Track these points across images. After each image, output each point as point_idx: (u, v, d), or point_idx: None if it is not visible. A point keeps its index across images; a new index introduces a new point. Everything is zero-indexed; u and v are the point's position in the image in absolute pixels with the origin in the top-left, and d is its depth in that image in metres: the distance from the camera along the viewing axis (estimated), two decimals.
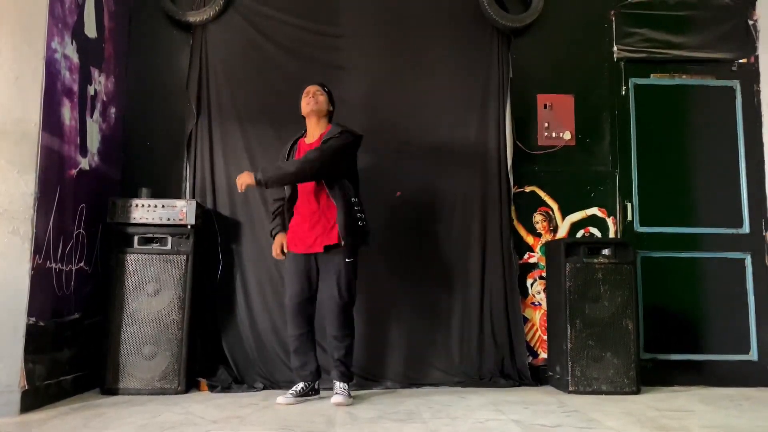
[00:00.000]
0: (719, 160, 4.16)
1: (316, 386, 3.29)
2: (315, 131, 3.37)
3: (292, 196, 3.35)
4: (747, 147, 4.17)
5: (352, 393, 3.27)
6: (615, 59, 4.20)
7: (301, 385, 3.23)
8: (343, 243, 3.16)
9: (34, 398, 2.83)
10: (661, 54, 4.19)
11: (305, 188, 3.29)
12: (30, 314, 2.81)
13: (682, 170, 4.15)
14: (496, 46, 4.13)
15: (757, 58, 4.23)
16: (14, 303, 2.76)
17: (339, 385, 3.20)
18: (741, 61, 4.23)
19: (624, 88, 4.19)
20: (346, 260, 3.20)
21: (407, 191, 3.95)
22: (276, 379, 3.60)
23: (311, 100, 3.34)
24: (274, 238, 3.41)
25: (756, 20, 4.24)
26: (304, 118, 3.42)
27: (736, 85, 4.22)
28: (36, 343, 2.86)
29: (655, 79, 4.22)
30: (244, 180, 3.16)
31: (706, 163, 4.15)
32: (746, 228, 4.11)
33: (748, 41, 4.23)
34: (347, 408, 3.03)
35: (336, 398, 3.12)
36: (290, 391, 3.20)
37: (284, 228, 3.38)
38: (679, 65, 4.22)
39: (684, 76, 4.23)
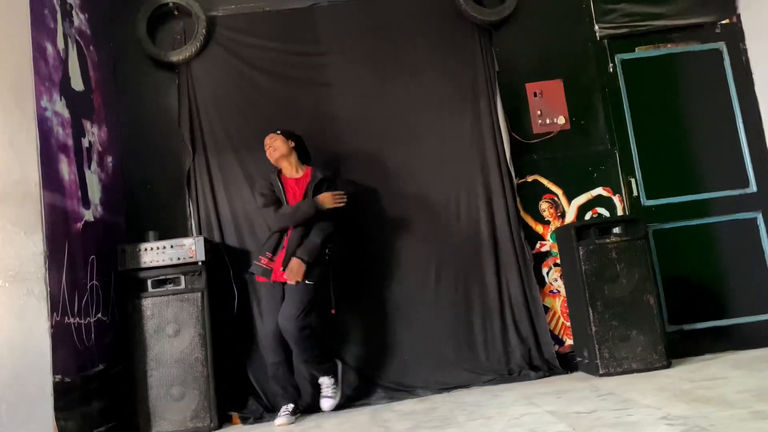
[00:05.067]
0: (716, 123, 4.15)
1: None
2: (292, 170, 3.61)
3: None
4: (742, 106, 4.15)
5: (382, 406, 3.34)
6: (598, 38, 4.20)
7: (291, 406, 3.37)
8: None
9: None
10: (642, 26, 4.18)
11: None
12: (55, 372, 2.81)
13: (680, 138, 4.13)
14: (477, 41, 4.14)
15: (738, 17, 4.22)
16: (38, 363, 2.76)
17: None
18: (723, 22, 4.22)
19: (611, 65, 4.19)
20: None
21: (410, 198, 3.95)
22: (306, 402, 3.59)
23: (269, 151, 3.57)
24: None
25: None
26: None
27: (722, 46, 4.21)
28: (65, 399, 2.86)
29: (641, 52, 4.22)
30: (298, 271, 3.32)
31: (703, 128, 4.14)
32: (753, 187, 4.09)
33: (728, 1, 4.22)
34: (381, 422, 3.02)
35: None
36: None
37: None
38: (663, 35, 4.21)
39: (669, 45, 4.22)
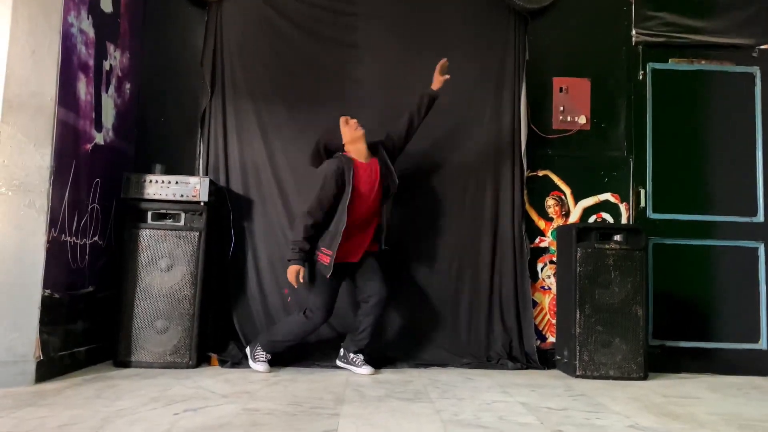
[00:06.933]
0: (736, 148, 4.12)
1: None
2: (363, 154, 3.44)
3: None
4: (765, 135, 4.11)
5: (364, 371, 3.40)
6: (633, 43, 4.14)
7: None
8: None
9: (48, 368, 2.89)
10: (680, 39, 4.13)
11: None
12: (45, 286, 2.85)
13: (697, 157, 4.11)
14: (513, 27, 4.09)
15: None
16: (30, 275, 2.80)
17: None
18: (762, 47, 4.15)
19: (641, 72, 4.14)
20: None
21: (418, 173, 3.95)
22: (284, 356, 3.64)
23: (358, 126, 3.43)
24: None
25: None
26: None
27: (756, 71, 4.15)
28: (51, 314, 2.91)
29: (674, 64, 4.17)
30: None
31: (722, 151, 4.11)
32: (761, 217, 4.07)
33: None
34: (356, 386, 3.06)
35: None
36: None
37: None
38: (699, 50, 4.16)
39: (703, 62, 4.17)
